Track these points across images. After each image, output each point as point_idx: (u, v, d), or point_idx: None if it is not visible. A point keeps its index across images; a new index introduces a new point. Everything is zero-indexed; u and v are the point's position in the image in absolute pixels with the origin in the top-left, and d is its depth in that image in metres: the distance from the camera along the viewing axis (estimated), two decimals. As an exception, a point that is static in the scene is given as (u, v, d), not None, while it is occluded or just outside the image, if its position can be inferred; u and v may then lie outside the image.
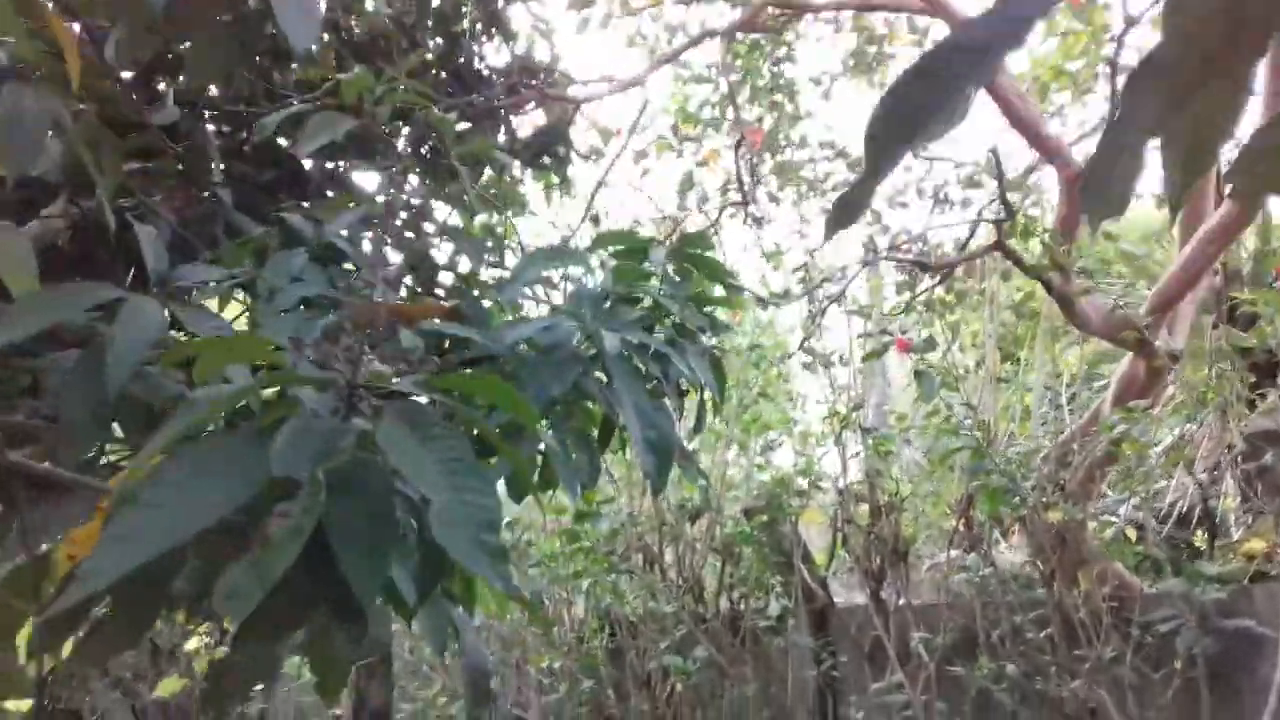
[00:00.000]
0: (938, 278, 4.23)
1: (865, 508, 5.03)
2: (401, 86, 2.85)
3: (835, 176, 5.63)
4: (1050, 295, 3.90)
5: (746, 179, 4.21)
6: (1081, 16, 5.24)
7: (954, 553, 4.89)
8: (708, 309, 3.24)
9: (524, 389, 2.46)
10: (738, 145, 4.10)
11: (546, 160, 4.33)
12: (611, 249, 2.87)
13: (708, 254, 3.15)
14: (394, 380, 1.51)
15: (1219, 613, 3.72)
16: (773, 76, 5.03)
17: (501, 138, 4.05)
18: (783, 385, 5.80)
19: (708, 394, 3.27)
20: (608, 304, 2.75)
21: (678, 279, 3.18)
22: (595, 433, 2.82)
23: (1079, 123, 4.83)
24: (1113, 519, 4.21)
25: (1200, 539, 4.78)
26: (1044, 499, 3.93)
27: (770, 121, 5.10)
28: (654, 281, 3.02)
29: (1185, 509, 4.74)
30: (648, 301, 2.95)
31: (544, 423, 2.49)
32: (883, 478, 4.89)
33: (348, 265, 2.61)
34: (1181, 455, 3.91)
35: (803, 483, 5.23)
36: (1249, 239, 5.18)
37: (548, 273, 2.80)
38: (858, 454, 4.95)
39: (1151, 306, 4.09)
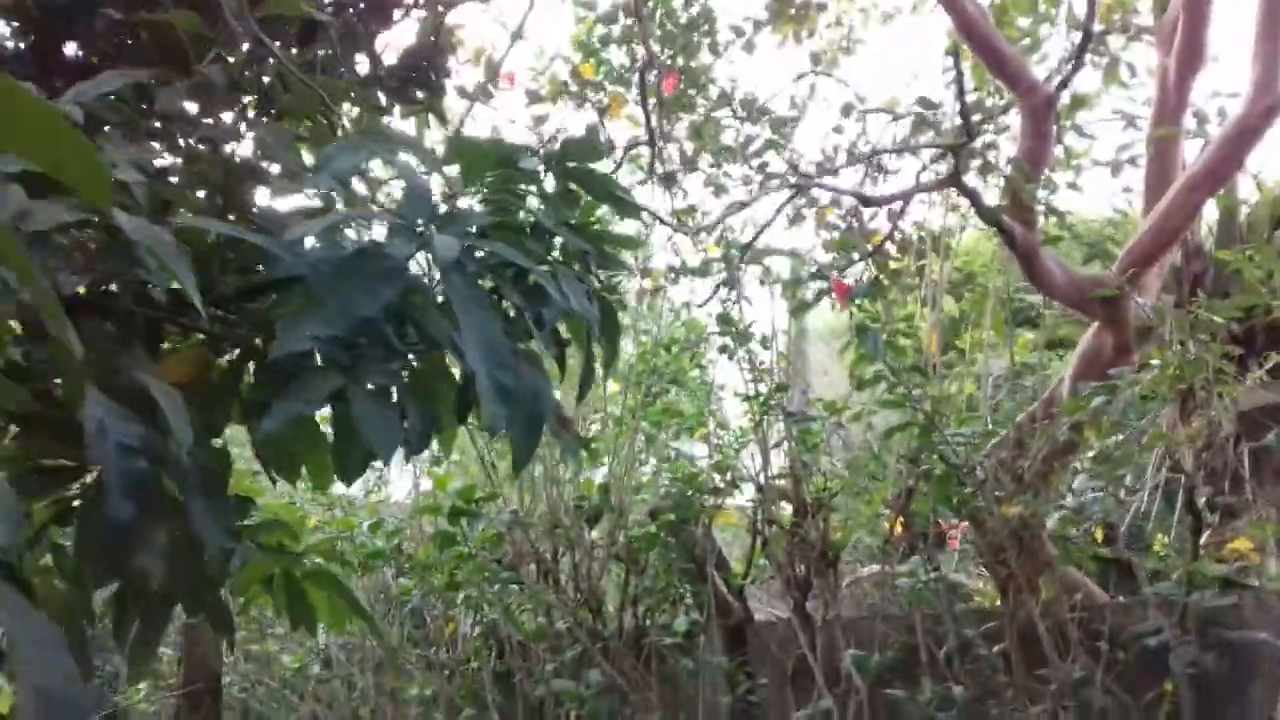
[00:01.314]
0: (881, 221, 3.61)
1: (789, 507, 4.38)
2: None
3: (758, 141, 4.99)
4: (1010, 249, 3.30)
5: (654, 121, 3.55)
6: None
7: (888, 559, 4.26)
8: (600, 243, 2.57)
9: (319, 309, 1.75)
10: (643, 73, 3.43)
11: (417, 92, 3.62)
12: (470, 160, 2.17)
13: (593, 166, 2.47)
14: None
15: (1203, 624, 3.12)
16: (688, 10, 4.38)
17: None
18: (699, 374, 5.13)
19: (597, 349, 2.59)
20: (448, 208, 2.04)
21: (560, 200, 2.50)
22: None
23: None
24: (1075, 517, 3.59)
25: (1161, 544, 4.20)
26: (998, 491, 3.30)
27: (684, 64, 4.45)
28: (531, 202, 2.34)
29: (1144, 509, 4.16)
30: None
31: (348, 362, 1.78)
32: (809, 472, 4.23)
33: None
34: (1160, 438, 3.31)
35: (717, 480, 4.56)
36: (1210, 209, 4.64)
37: (370, 164, 2.08)
38: (780, 444, 4.28)
39: (1124, 265, 3.51)
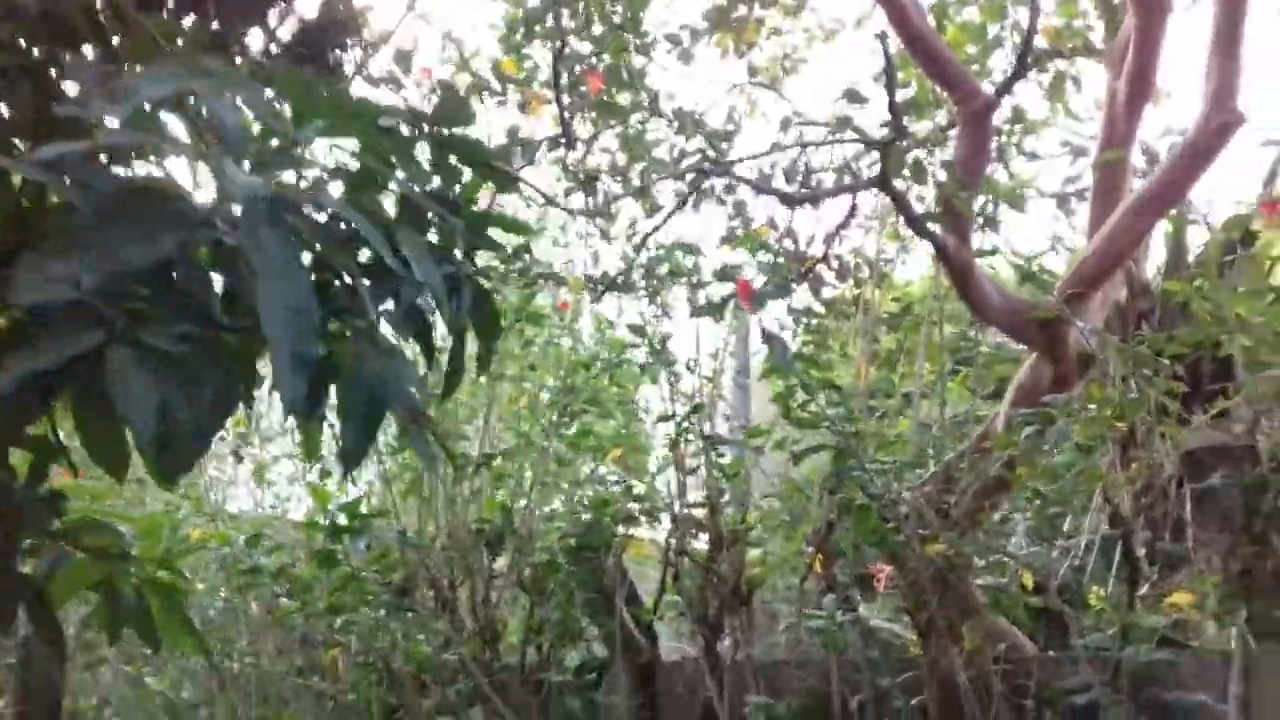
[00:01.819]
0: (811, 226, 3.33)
1: (704, 538, 4.07)
2: None
3: (691, 156, 4.71)
4: (942, 262, 3.04)
5: (567, 114, 3.25)
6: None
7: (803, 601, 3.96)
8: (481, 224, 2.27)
9: (72, 251, 1.43)
10: (556, 61, 3.13)
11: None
12: (300, 100, 1.85)
13: (462, 132, 2.17)
14: None
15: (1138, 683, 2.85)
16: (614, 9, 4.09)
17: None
18: (618, 394, 4.81)
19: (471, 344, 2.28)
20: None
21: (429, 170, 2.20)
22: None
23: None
24: (1003, 560, 3.32)
25: (1095, 596, 3.94)
26: (922, 529, 3.01)
27: (611, 63, 4.16)
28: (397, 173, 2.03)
29: (1079, 556, 3.90)
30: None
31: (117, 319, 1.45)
32: (728, 502, 3.93)
33: None
34: (1098, 479, 3.05)
35: (631, 507, 4.24)
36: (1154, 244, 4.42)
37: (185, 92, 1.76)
38: (697, 469, 3.98)
39: (1065, 290, 3.26)
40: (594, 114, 4.06)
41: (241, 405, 2.09)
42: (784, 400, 2.75)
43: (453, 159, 2.18)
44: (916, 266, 5.05)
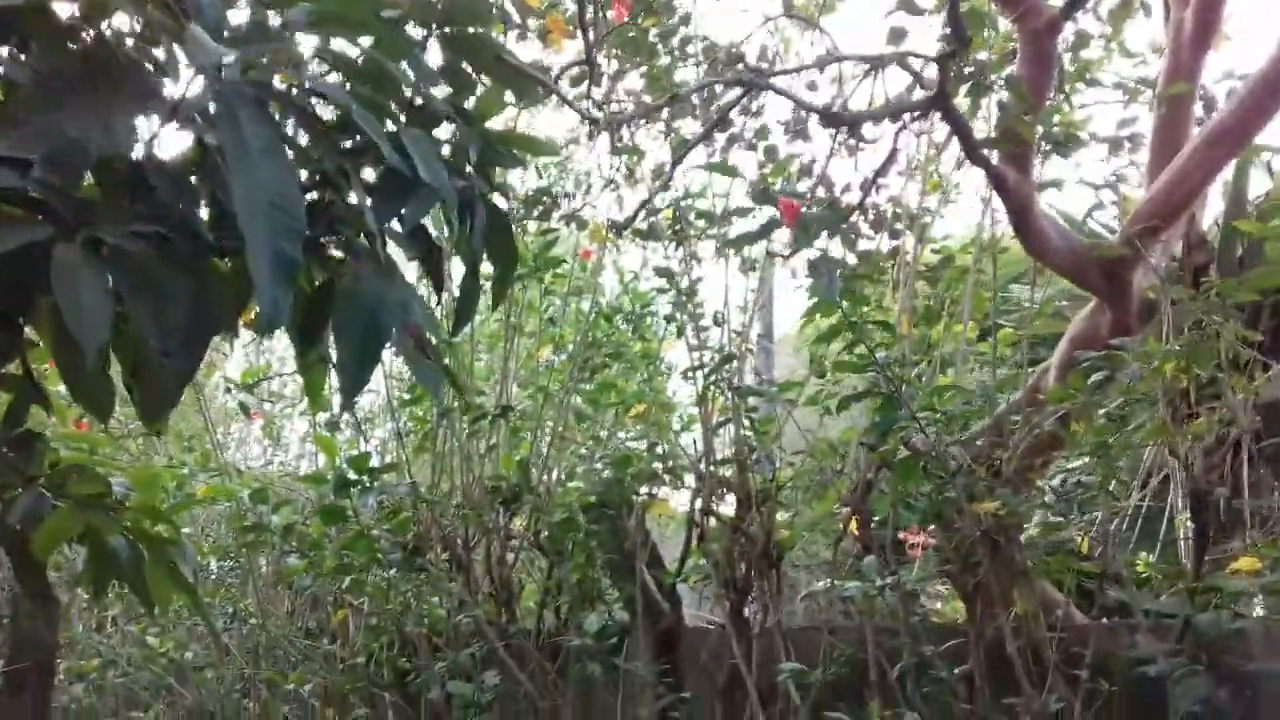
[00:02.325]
0: (856, 143, 3.06)
1: (731, 499, 3.85)
2: None
3: (726, 96, 4.44)
4: (1000, 196, 2.79)
5: (592, 38, 3.01)
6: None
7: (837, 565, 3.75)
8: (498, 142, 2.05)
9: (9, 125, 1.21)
10: (584, -21, 2.88)
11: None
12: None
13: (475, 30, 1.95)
14: None
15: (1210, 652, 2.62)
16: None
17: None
18: (642, 348, 4.59)
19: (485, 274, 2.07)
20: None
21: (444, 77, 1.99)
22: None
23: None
24: (1058, 520, 3.09)
25: (1144, 562, 3.71)
26: (971, 486, 2.78)
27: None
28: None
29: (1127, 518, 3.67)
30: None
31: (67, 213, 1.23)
32: (758, 459, 3.71)
33: None
34: (1161, 431, 2.80)
35: (654, 465, 4.03)
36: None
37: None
38: (725, 424, 3.75)
39: (1131, 232, 3.01)
40: (619, 49, 3.81)
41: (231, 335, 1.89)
42: (826, 338, 2.50)
43: (467, 65, 1.97)
44: (958, 221, 4.79)
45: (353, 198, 1.66)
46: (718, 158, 4.00)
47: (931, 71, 3.87)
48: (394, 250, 1.75)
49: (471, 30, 1.90)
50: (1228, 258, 4.29)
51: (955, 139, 2.75)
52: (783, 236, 3.57)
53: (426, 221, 1.81)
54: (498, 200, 2.01)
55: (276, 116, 1.41)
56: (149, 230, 1.30)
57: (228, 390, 4.66)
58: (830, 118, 2.71)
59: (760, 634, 3.60)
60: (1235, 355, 2.92)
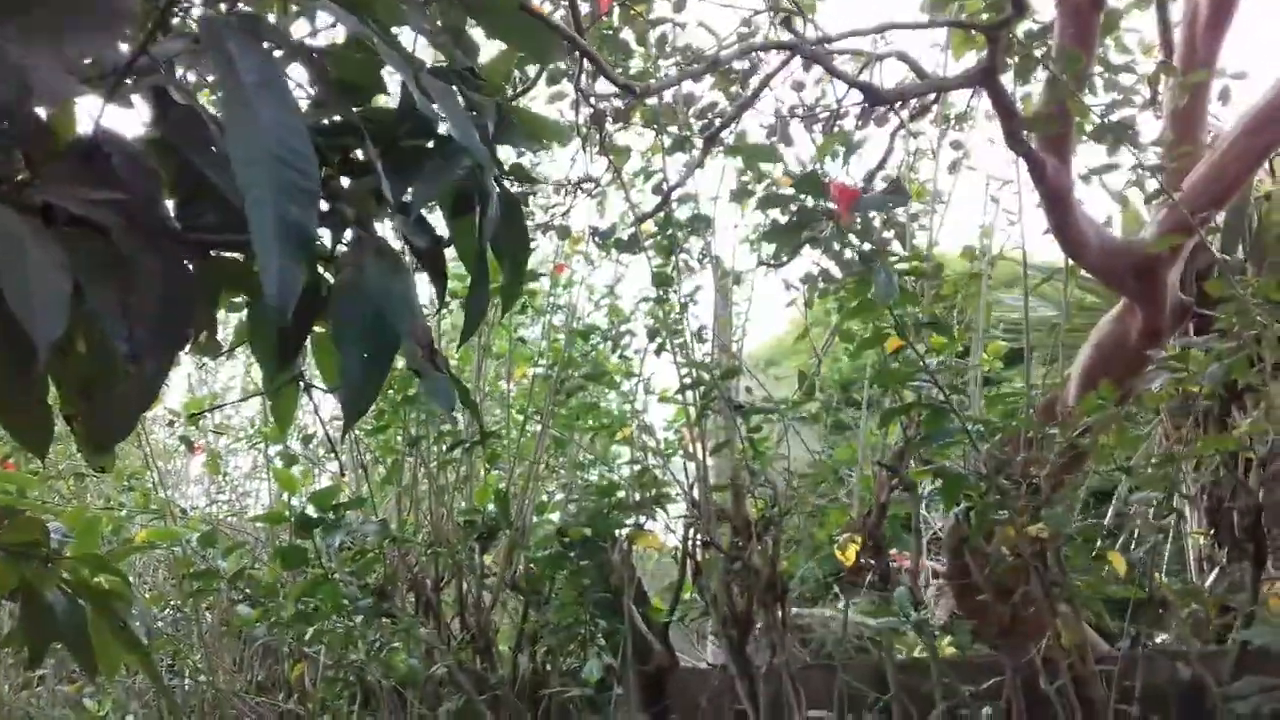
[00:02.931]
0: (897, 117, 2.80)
1: (728, 527, 3.56)
2: None
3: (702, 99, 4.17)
4: (1038, 185, 2.55)
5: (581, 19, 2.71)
6: None
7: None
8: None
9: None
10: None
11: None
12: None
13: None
14: None
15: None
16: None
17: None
18: (623, 367, 4.28)
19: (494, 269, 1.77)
20: None
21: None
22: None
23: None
24: (1093, 539, 2.84)
25: (1167, 586, 3.48)
26: (1016, 504, 2.52)
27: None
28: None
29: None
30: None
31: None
32: (757, 484, 3.42)
33: None
34: (1219, 443, 2.57)
35: (641, 494, 3.72)
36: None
37: None
38: (721, 449, 3.46)
39: (1167, 228, 2.79)
40: (598, 45, 3.52)
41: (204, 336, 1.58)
42: (870, 344, 2.22)
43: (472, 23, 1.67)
44: (948, 232, 4.55)
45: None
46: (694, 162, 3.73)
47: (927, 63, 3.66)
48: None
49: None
50: (1231, 261, 4.12)
51: (994, 118, 2.50)
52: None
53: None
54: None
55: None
56: (114, 197, 0.98)
57: (170, 423, 4.28)
58: (873, 94, 2.45)
59: (766, 675, 3.30)
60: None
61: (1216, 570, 3.66)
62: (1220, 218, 4.20)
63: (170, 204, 1.29)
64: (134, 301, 0.96)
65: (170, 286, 1.02)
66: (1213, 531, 3.77)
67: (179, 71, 1.35)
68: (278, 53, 1.23)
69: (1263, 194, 4.54)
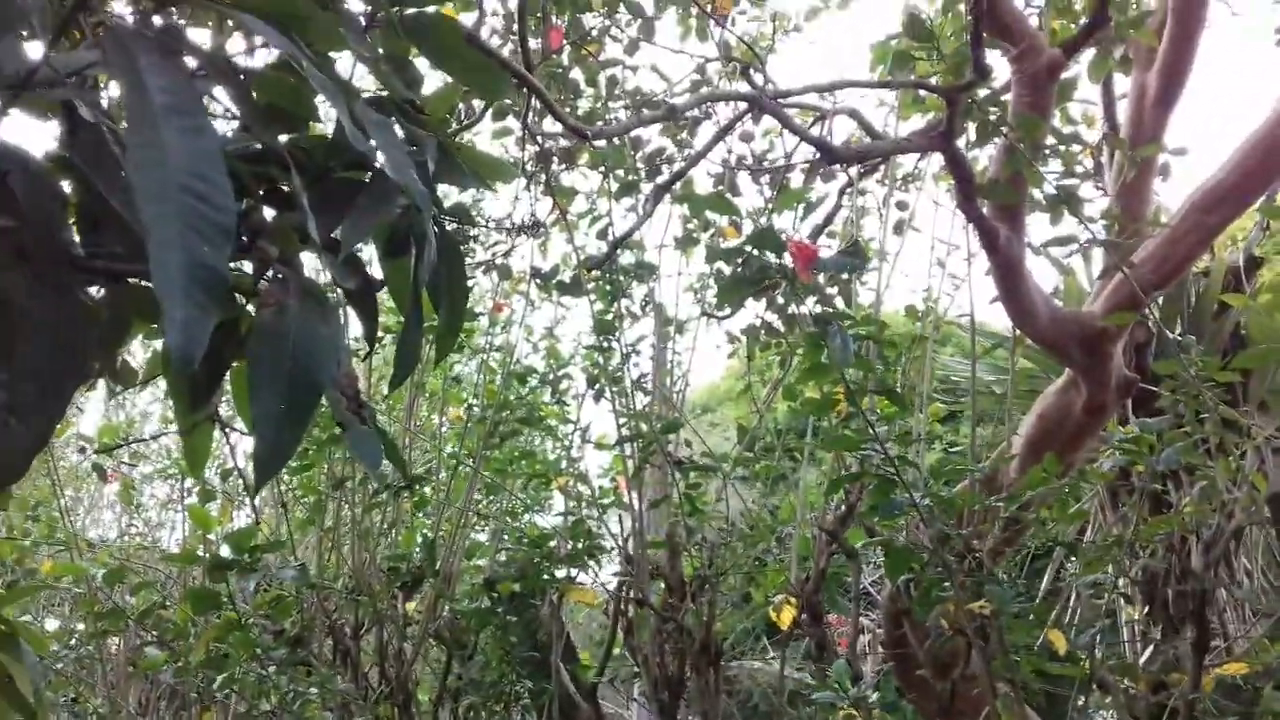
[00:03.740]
0: (854, 171, 2.75)
1: (663, 585, 3.46)
2: None
3: (654, 142, 4.11)
4: (989, 254, 2.51)
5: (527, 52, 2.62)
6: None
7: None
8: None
9: None
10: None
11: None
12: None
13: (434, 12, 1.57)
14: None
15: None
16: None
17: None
18: (560, 413, 4.17)
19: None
20: None
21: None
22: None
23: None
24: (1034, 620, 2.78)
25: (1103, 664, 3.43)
26: (959, 578, 2.45)
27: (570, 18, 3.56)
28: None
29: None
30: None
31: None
32: (694, 542, 3.33)
33: None
34: (1166, 524, 2.53)
35: (573, 545, 3.61)
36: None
37: None
38: (660, 503, 3.37)
39: (1115, 302, 2.76)
40: (548, 82, 3.45)
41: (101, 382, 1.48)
42: (822, 409, 2.14)
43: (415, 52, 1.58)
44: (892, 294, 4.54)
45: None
46: (640, 211, 3.66)
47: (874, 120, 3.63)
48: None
49: (428, 9, 1.51)
50: (1167, 335, 4.13)
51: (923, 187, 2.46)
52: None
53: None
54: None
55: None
56: (4, 224, 0.87)
57: (81, 450, 4.08)
58: (831, 153, 2.40)
59: (697, 740, 3.20)
60: (1220, 440, 2.69)
61: (1151, 647, 3.63)
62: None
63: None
64: (19, 350, 0.85)
65: (64, 333, 0.91)
66: (1147, 609, 3.74)
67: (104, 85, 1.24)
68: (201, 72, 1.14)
69: (1201, 270, 4.58)
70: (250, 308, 1.31)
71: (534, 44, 3.51)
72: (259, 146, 1.27)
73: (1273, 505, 2.50)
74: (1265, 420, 2.69)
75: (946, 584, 2.29)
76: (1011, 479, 3.11)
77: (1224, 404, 2.65)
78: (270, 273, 1.28)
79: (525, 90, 2.55)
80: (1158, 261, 2.80)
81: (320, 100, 1.21)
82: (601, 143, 3.21)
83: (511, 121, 3.54)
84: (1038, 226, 8.77)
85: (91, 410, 5.06)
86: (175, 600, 3.86)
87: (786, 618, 3.42)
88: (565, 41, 3.38)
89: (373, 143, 1.12)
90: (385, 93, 1.50)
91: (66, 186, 1.17)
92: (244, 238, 1.29)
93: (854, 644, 3.01)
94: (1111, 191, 3.43)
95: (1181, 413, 2.56)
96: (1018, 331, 2.88)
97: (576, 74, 3.93)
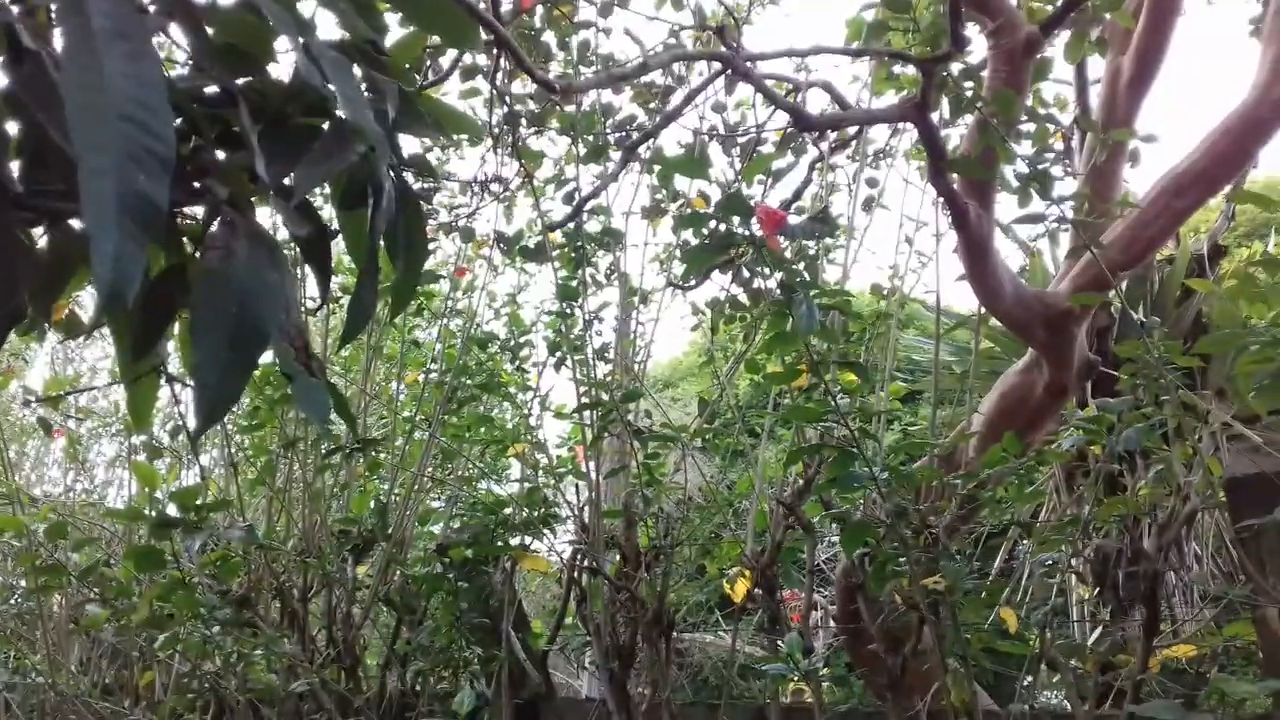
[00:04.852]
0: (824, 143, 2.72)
1: (617, 554, 3.43)
2: None
3: (625, 110, 4.06)
4: (959, 231, 2.49)
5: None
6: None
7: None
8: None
9: None
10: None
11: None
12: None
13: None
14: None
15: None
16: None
17: None
18: (520, 380, 4.13)
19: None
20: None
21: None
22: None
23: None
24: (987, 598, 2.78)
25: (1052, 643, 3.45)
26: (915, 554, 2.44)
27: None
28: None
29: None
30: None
31: None
32: (652, 511, 3.30)
33: None
34: (1123, 505, 2.54)
35: (528, 512, 3.57)
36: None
37: None
38: (617, 473, 3.34)
39: (1081, 283, 2.76)
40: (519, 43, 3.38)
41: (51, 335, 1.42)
42: (784, 379, 2.11)
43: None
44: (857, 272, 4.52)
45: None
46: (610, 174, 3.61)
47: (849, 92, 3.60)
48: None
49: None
50: (1129, 319, 4.15)
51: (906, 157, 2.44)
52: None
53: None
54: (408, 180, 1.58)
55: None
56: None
57: (27, 403, 3.99)
58: (803, 119, 2.36)
59: (647, 710, 3.18)
60: (1179, 427, 2.69)
61: (1100, 628, 3.66)
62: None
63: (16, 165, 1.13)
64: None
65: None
66: (1097, 590, 3.78)
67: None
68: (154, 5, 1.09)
69: (1165, 258, 4.61)
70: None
71: (506, 3, 3.45)
72: (216, 89, 1.22)
73: (1227, 490, 2.51)
74: (1223, 406, 2.69)
75: (902, 559, 2.28)
76: (970, 457, 3.12)
77: (1184, 389, 2.65)
78: (220, 218, 1.23)
79: (495, 49, 2.49)
80: (1125, 243, 2.80)
81: (281, 44, 1.16)
82: (570, 107, 3.15)
83: (480, 82, 3.49)
84: (1006, 208, 8.81)
85: (39, 364, 4.96)
86: (119, 558, 3.79)
87: (740, 591, 3.41)
88: (538, 1, 3.31)
89: (332, 88, 1.07)
90: (347, 35, 1.45)
91: (10, 121, 1.11)
92: (195, 184, 1.23)
93: (806, 618, 3.00)
94: (1082, 174, 3.42)
95: (1141, 396, 2.57)
96: (982, 310, 2.88)
97: (549, 37, 3.88)
